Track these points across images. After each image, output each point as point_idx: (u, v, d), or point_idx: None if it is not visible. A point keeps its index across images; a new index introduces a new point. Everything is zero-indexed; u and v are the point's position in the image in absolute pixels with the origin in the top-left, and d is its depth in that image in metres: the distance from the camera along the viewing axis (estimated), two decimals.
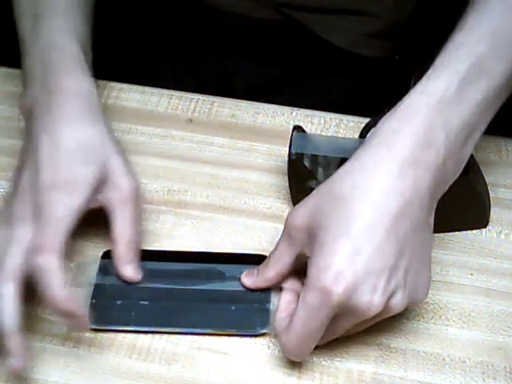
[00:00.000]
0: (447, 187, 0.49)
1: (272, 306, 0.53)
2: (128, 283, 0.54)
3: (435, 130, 0.47)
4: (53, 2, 0.60)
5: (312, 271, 0.46)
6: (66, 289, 0.48)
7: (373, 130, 0.50)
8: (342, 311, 0.46)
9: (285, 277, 0.52)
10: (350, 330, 0.49)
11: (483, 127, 0.50)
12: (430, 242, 0.49)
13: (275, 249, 0.52)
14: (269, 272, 0.52)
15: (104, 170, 0.53)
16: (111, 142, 0.55)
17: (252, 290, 0.53)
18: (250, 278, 0.53)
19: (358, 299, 0.45)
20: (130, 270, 0.54)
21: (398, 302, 0.47)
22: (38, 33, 0.59)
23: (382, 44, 0.78)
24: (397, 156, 0.47)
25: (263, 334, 0.52)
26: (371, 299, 0.45)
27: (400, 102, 0.49)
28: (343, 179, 0.48)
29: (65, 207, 0.51)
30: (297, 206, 0.50)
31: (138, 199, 0.55)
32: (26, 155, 0.55)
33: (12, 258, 0.49)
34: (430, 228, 0.49)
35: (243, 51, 0.77)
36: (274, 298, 0.53)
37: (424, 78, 0.49)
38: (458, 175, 0.50)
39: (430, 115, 0.47)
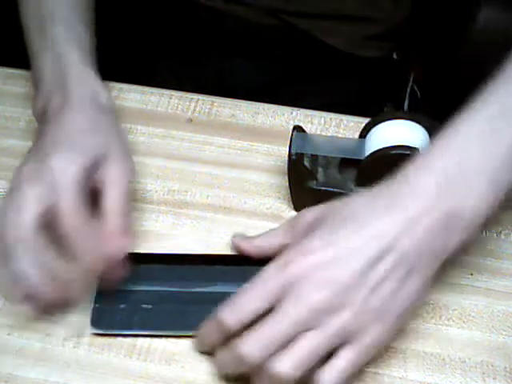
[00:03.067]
0: (455, 251, 0.47)
1: None
2: (129, 287, 0.54)
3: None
4: (56, 9, 0.61)
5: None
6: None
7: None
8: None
9: (263, 254, 0.53)
10: None
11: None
12: (406, 300, 0.47)
13: (274, 229, 0.54)
14: (256, 241, 0.54)
15: (105, 151, 0.54)
16: (117, 132, 0.57)
17: None
18: (242, 241, 0.55)
19: (297, 292, 0.46)
20: (124, 241, 0.52)
21: (343, 321, 0.46)
22: (45, 37, 0.60)
23: (381, 45, 0.78)
24: (391, 204, 0.47)
25: None
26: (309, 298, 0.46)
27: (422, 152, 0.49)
28: (350, 203, 0.49)
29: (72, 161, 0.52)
30: (310, 208, 0.52)
31: (130, 180, 0.55)
32: (33, 149, 0.55)
33: (28, 214, 0.50)
34: (413, 287, 0.47)
35: (243, 53, 0.77)
36: None
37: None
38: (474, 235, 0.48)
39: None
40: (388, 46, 0.79)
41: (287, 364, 0.45)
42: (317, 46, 0.75)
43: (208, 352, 0.51)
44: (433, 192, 0.46)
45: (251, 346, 0.46)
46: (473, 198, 0.46)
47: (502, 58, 0.50)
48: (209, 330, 0.50)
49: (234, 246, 0.56)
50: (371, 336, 0.46)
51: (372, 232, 0.46)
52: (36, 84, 0.60)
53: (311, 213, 0.52)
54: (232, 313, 0.47)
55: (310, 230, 0.50)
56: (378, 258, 0.46)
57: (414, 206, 0.47)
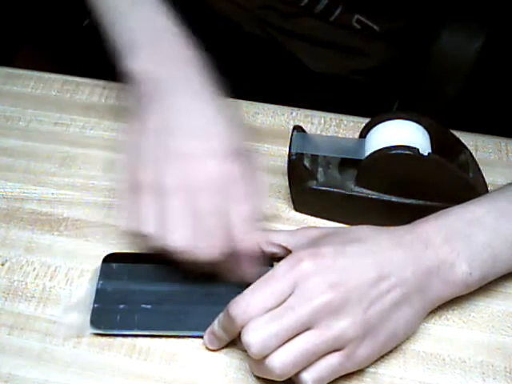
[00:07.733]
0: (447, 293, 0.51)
1: None
2: (129, 287, 0.54)
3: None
4: None
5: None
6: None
7: None
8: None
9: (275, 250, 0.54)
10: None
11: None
12: (395, 323, 0.49)
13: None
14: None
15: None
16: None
17: None
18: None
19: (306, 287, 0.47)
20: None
21: (343, 328, 0.46)
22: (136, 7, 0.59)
23: (364, 78, 0.78)
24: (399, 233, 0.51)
25: None
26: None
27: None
28: (354, 229, 0.52)
29: None
30: (311, 226, 0.56)
31: None
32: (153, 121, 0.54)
33: None
34: (404, 314, 0.49)
35: (242, 56, 0.77)
36: None
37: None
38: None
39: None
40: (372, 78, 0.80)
41: (280, 360, 0.46)
42: (299, 66, 0.76)
43: (211, 351, 0.52)
44: (439, 243, 0.50)
45: (253, 337, 0.46)
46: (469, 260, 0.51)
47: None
48: (219, 327, 0.50)
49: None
50: (361, 349, 0.48)
51: (378, 257, 0.49)
52: (128, 43, 0.58)
53: (314, 230, 0.54)
54: (244, 310, 0.47)
55: (314, 242, 0.51)
56: (381, 277, 0.48)
57: (420, 247, 0.50)
